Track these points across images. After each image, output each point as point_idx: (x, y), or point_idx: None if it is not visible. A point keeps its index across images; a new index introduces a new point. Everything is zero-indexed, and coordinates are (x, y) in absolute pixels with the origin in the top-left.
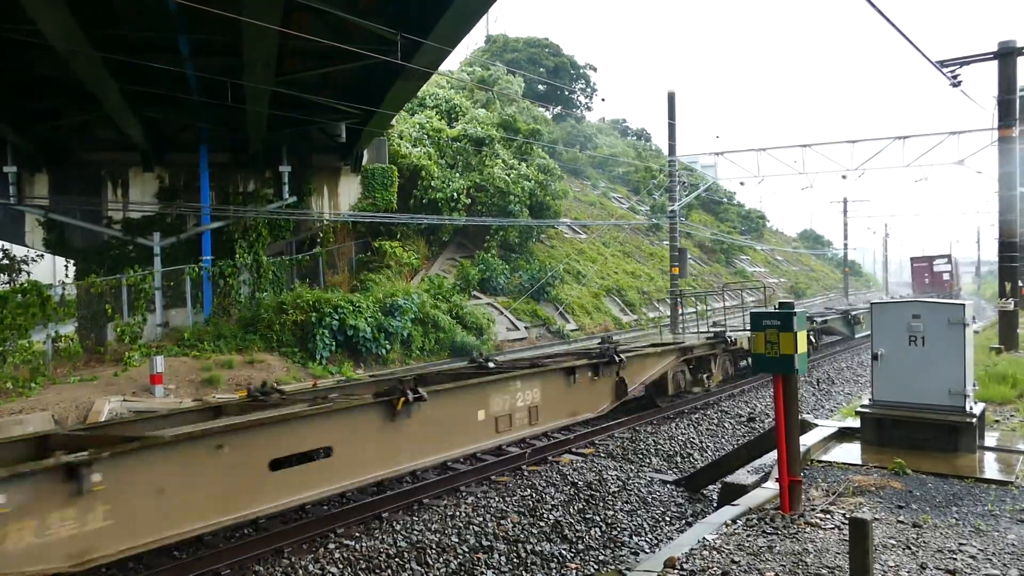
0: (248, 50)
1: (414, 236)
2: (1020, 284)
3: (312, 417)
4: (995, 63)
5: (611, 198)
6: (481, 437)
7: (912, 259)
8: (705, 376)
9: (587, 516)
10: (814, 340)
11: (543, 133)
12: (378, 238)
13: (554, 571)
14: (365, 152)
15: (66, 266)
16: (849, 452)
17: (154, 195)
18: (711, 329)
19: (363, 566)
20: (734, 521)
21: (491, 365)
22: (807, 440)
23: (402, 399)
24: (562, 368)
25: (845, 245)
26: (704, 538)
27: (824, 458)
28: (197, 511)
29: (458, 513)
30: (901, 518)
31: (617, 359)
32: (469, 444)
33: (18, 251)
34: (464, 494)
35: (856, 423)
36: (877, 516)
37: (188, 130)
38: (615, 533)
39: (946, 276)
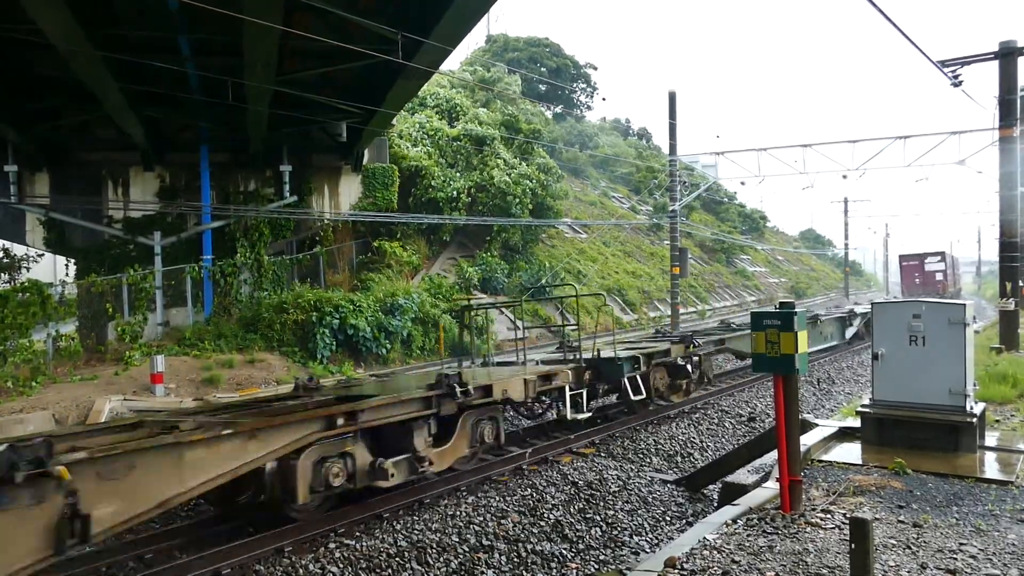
0: (249, 50)
1: (415, 236)
2: (1021, 284)
3: None
4: (996, 63)
5: (611, 198)
6: None
7: (901, 257)
8: (393, 463)
9: (587, 516)
10: (666, 377)
11: (541, 131)
12: (378, 238)
13: (555, 571)
14: (366, 151)
15: (67, 265)
16: (849, 452)
17: (155, 194)
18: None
19: (363, 565)
20: (734, 521)
21: None
22: (807, 440)
23: None
24: None
25: (846, 245)
26: (704, 538)
27: (824, 458)
28: None
29: (459, 512)
30: (902, 518)
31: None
32: None
33: (18, 250)
34: (465, 493)
35: (856, 423)
36: (878, 516)
37: (188, 130)
38: (615, 533)
39: (939, 276)
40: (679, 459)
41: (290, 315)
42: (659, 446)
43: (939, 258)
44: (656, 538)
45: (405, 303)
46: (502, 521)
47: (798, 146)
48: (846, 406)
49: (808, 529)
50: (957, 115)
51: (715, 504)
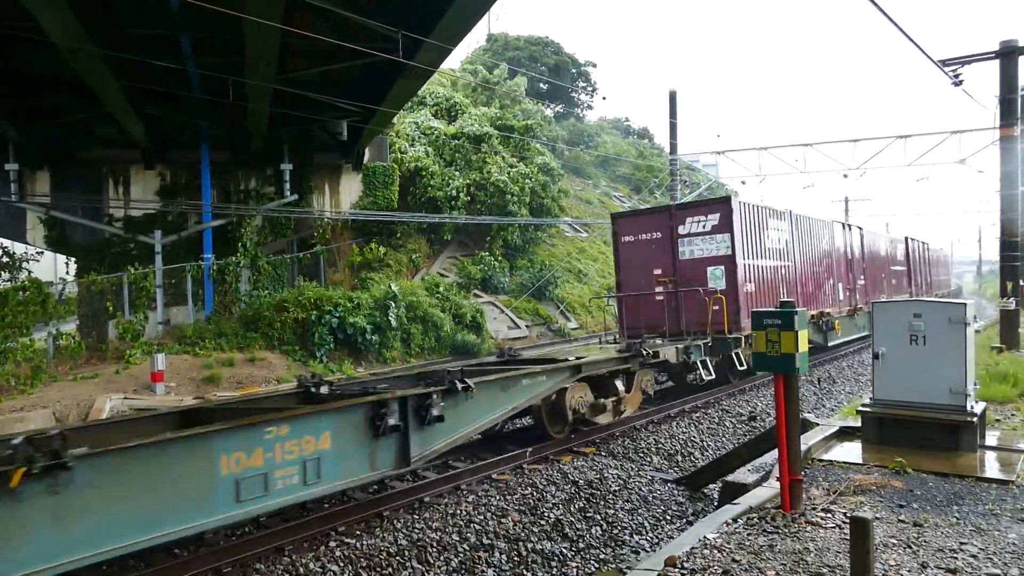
0: (250, 48)
1: (415, 235)
2: (1021, 283)
3: None
4: (997, 62)
5: (613, 197)
6: None
7: (614, 219)
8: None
9: (588, 515)
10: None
11: (534, 129)
12: (373, 237)
13: (555, 570)
14: (367, 150)
15: (67, 264)
16: (850, 451)
17: (155, 193)
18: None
19: (364, 564)
20: (735, 520)
21: None
22: (808, 439)
23: None
24: None
25: None
26: (705, 537)
27: (825, 457)
28: None
29: (459, 511)
30: (902, 517)
31: None
32: None
33: (19, 248)
34: (465, 492)
35: (857, 422)
36: (878, 515)
37: (189, 128)
38: (616, 532)
39: (716, 272)
40: (679, 458)
41: (290, 313)
42: (659, 445)
43: (716, 217)
44: (656, 537)
45: (395, 296)
46: (502, 520)
47: (799, 145)
48: (846, 405)
49: (808, 528)
50: (958, 114)
51: (715, 503)
